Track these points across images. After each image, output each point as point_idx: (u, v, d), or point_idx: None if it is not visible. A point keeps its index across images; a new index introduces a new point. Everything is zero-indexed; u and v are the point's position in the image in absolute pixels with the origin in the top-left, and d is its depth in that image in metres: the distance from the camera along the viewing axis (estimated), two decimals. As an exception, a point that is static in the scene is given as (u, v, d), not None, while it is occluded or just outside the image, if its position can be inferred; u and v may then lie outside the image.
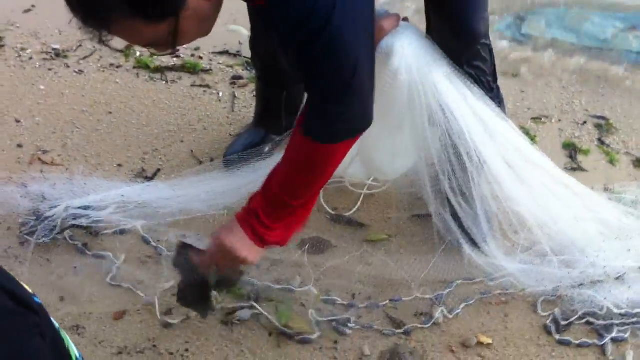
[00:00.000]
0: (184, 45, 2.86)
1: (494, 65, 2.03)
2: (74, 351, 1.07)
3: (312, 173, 1.58)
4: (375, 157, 2.09)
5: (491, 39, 2.03)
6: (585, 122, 2.63)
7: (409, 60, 1.82)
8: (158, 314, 1.86)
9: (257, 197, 1.60)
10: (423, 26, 1.98)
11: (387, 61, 1.82)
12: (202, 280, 1.73)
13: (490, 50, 1.99)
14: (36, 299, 0.98)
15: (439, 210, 2.01)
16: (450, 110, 1.85)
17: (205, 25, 1.43)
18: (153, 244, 2.06)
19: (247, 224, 1.60)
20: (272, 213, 1.59)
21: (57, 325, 1.04)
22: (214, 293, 1.81)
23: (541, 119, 2.65)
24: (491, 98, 1.95)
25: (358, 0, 1.43)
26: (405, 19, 1.88)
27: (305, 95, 1.66)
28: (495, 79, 2.04)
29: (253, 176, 2.08)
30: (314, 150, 1.54)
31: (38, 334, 0.91)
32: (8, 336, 0.86)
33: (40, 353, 0.90)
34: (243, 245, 1.61)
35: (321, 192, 2.16)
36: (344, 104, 1.48)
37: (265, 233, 1.60)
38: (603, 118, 2.65)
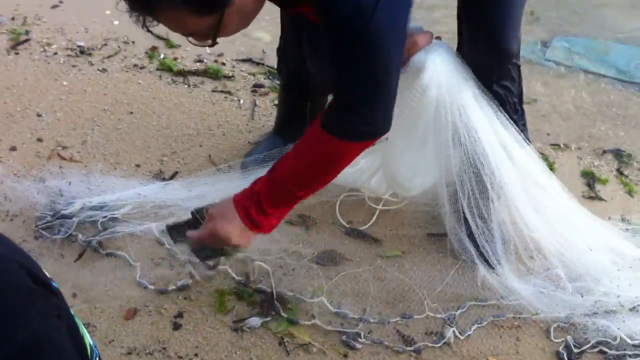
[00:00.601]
0: (208, 51, 2.91)
1: (522, 87, 2.03)
2: (88, 339, 1.07)
3: (323, 167, 1.60)
4: (397, 172, 2.09)
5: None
6: (604, 152, 2.62)
7: (440, 77, 1.82)
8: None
9: (262, 181, 1.61)
10: (454, 46, 1.99)
11: (418, 76, 1.82)
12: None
13: (519, 71, 1.99)
14: (54, 284, 0.98)
15: (455, 229, 2.01)
16: (475, 131, 1.85)
17: (245, 21, 1.47)
18: (167, 245, 2.06)
19: (244, 208, 1.61)
20: (273, 199, 1.60)
21: (72, 312, 1.04)
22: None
23: (560, 145, 2.64)
24: (515, 121, 1.95)
25: (399, 10, 1.46)
26: (439, 38, 1.89)
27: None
28: (521, 101, 2.04)
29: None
30: (330, 145, 1.55)
31: (56, 315, 0.91)
32: (29, 313, 0.87)
33: (59, 333, 0.91)
34: (236, 231, 1.62)
35: (337, 204, 2.18)
36: (370, 105, 1.51)
37: (261, 219, 1.61)
38: (621, 150, 2.64)
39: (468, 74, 1.87)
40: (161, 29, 1.41)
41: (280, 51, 2.29)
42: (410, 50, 1.81)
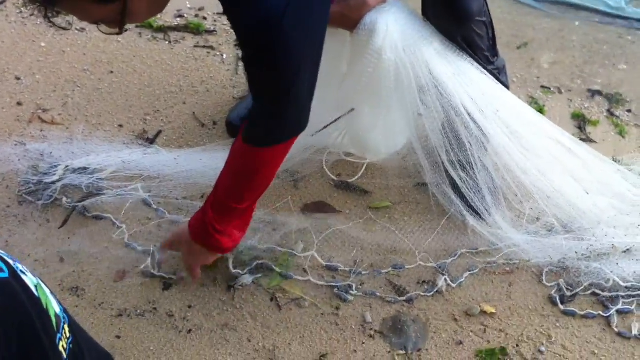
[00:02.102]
0: (189, 5, 2.83)
1: (493, 39, 1.95)
2: (54, 309, 1.01)
3: (253, 177, 1.61)
4: (368, 138, 2.05)
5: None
6: (595, 93, 2.58)
7: (394, 38, 1.75)
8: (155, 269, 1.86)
9: (208, 203, 1.66)
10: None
11: (370, 39, 1.75)
12: None
13: (487, 25, 1.91)
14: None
15: (438, 182, 1.98)
16: (444, 86, 1.80)
17: (157, 5, 1.40)
18: (154, 206, 2.03)
19: (201, 238, 1.69)
20: (223, 220, 1.66)
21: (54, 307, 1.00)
22: None
23: (550, 88, 2.60)
24: (490, 71, 1.90)
25: (312, 7, 1.41)
26: None
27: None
28: (494, 54, 1.97)
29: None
30: (252, 155, 1.57)
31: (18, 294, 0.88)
32: None
33: None
34: (203, 256, 1.74)
35: (324, 158, 2.15)
36: (280, 110, 1.50)
37: (221, 239, 1.68)
38: (611, 91, 2.60)
39: (429, 31, 1.81)
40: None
41: None
42: (360, 10, 1.75)
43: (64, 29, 1.43)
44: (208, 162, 2.14)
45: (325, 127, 1.98)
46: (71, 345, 1.03)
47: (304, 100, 1.51)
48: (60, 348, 1.00)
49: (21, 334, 0.92)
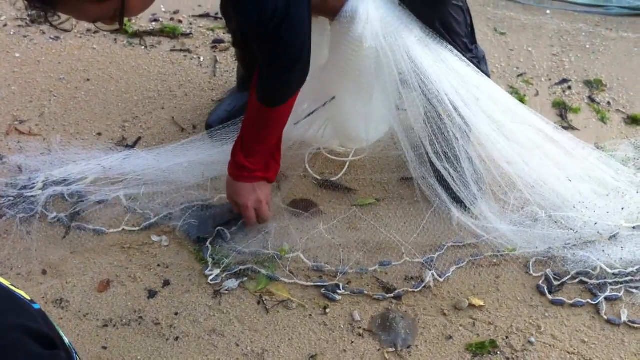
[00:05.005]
0: (163, 9, 2.81)
1: (471, 26, 1.95)
2: (67, 341, 1.04)
3: (270, 125, 1.82)
4: (349, 126, 2.04)
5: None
6: (575, 81, 2.58)
7: (375, 26, 1.75)
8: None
9: (238, 150, 1.85)
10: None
11: (350, 27, 1.75)
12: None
13: (464, 11, 1.91)
14: (35, 306, 0.95)
15: (424, 175, 1.97)
16: (426, 74, 1.80)
17: None
18: (139, 210, 2.01)
19: (241, 175, 1.87)
20: (253, 159, 1.85)
21: (66, 341, 1.01)
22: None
23: (530, 77, 2.60)
24: (469, 59, 1.89)
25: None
26: None
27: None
28: (472, 41, 1.97)
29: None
30: (268, 112, 1.77)
31: None
32: None
33: None
34: (249, 193, 1.89)
35: (306, 158, 2.14)
36: (293, 74, 1.70)
37: (256, 172, 1.87)
38: (590, 79, 2.60)
39: (409, 19, 1.79)
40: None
41: (223, 10, 2.20)
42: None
43: (66, 31, 1.49)
44: (189, 166, 2.12)
45: (308, 116, 2.02)
46: None
47: (309, 58, 1.69)
48: None
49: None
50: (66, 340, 1.02)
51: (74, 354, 1.03)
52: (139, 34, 2.71)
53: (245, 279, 1.85)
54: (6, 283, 0.94)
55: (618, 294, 1.81)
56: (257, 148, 1.84)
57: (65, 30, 1.48)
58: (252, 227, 1.96)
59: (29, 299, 0.96)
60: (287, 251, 1.92)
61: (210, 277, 1.85)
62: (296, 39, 1.62)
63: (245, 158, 1.84)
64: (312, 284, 1.85)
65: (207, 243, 1.93)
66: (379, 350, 1.72)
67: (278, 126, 1.84)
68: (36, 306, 0.96)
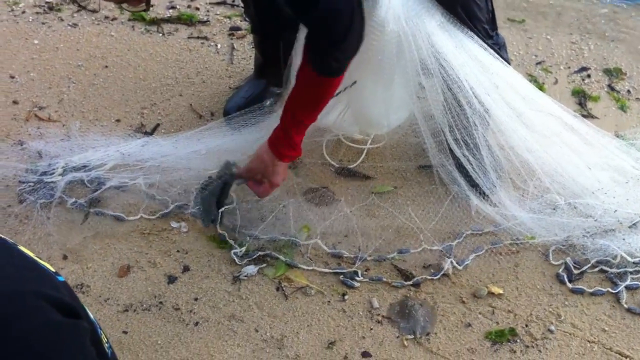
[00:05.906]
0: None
1: (492, 12, 1.94)
2: (105, 339, 1.04)
3: (323, 101, 1.77)
4: (370, 112, 2.03)
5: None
6: (594, 68, 2.56)
7: (397, 11, 1.74)
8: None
9: (289, 123, 1.79)
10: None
11: (372, 12, 1.74)
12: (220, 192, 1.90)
13: None
14: (60, 278, 0.94)
15: (443, 162, 1.97)
16: (447, 59, 1.79)
17: None
18: (158, 197, 2.02)
19: (281, 147, 1.81)
20: (301, 135, 1.81)
21: (90, 315, 1.01)
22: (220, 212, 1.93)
23: (550, 65, 2.58)
24: (490, 46, 1.88)
25: None
26: None
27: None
28: (493, 27, 1.96)
29: (256, 135, 2.05)
30: (325, 85, 1.72)
31: (87, 343, 0.88)
32: (62, 350, 0.83)
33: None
34: (285, 172, 1.87)
35: (324, 144, 2.13)
36: (346, 44, 1.63)
37: (292, 150, 1.82)
38: (610, 66, 2.58)
39: (430, 3, 1.79)
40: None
41: None
42: None
43: (93, 11, 1.49)
44: (207, 153, 2.12)
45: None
46: (110, 349, 1.04)
47: (362, 26, 1.64)
48: (107, 349, 1.01)
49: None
50: (91, 315, 1.03)
51: (99, 330, 1.03)
52: (156, 22, 2.71)
53: (264, 265, 1.86)
54: (31, 254, 0.94)
55: (639, 282, 1.80)
56: (307, 123, 1.80)
57: (94, 11, 1.49)
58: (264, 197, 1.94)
59: (54, 270, 0.95)
60: (310, 229, 1.91)
61: (237, 252, 1.87)
62: (343, 9, 1.60)
63: (299, 136, 1.81)
64: (330, 270, 1.85)
65: (219, 230, 1.93)
66: (397, 337, 1.72)
67: (326, 101, 1.80)
68: (60, 278, 0.95)
